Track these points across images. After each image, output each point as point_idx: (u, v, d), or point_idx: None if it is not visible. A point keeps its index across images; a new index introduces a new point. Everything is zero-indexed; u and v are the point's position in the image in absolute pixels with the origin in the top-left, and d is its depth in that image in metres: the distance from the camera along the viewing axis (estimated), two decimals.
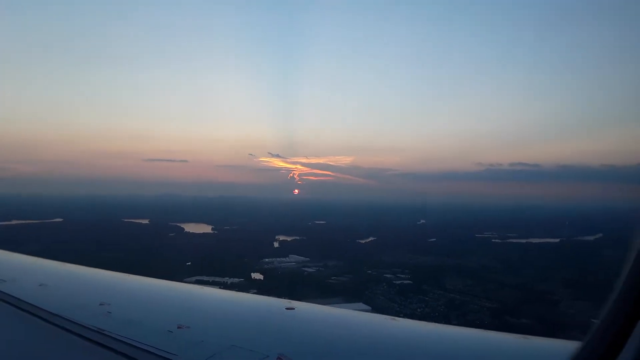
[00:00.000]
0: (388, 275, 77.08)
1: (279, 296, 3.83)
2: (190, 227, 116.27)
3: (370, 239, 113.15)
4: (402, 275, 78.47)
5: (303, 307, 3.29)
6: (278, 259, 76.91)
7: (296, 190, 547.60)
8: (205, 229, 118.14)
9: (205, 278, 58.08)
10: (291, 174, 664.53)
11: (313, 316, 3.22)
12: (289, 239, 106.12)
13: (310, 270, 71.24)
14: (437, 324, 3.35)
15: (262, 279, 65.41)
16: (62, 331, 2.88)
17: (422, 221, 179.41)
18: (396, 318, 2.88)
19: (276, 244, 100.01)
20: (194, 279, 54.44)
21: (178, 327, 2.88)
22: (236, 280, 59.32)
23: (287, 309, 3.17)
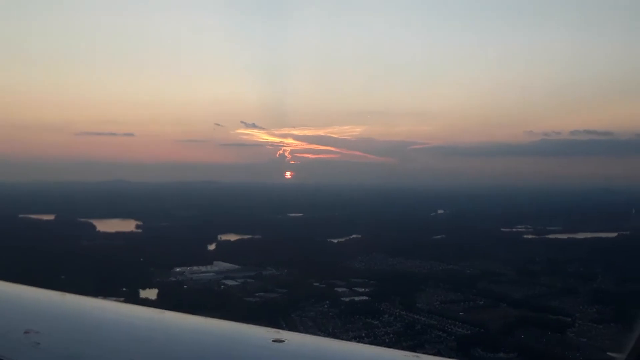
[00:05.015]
0: (340, 289, 62.73)
1: None
2: (107, 225, 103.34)
3: (351, 236, 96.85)
4: (361, 289, 63.99)
5: (295, 339, 2.66)
6: (195, 268, 64.26)
7: (288, 173, 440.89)
8: (128, 226, 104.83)
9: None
10: (280, 151, 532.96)
11: (307, 351, 2.62)
12: (233, 238, 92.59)
13: (231, 283, 58.20)
14: None
15: (154, 297, 52.46)
16: None
17: (439, 211, 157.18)
18: (420, 355, 2.37)
19: (211, 246, 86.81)
20: None
21: None
22: (113, 299, 45.54)
23: (274, 341, 2.58)
